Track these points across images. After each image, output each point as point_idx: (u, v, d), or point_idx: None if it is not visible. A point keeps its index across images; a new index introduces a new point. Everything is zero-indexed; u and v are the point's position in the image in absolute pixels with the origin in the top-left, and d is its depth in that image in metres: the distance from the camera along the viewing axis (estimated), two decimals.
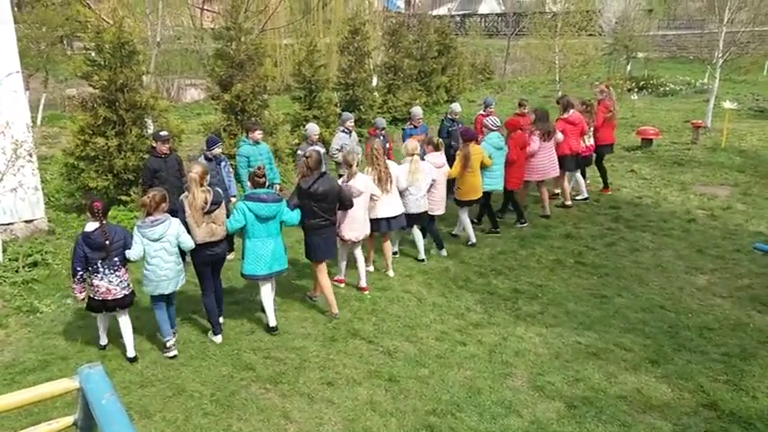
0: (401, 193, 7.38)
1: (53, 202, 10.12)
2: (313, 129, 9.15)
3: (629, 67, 23.80)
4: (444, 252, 8.20)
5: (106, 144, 9.20)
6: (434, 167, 7.77)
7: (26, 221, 8.75)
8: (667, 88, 21.72)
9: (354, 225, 6.78)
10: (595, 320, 6.44)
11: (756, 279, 7.28)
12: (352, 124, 9.82)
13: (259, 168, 6.08)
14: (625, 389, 5.24)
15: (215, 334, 6.11)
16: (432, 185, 7.71)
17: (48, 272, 7.74)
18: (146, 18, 14.02)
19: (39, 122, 15.94)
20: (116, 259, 5.51)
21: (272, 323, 6.23)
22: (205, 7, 21.03)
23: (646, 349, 5.84)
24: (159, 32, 13.67)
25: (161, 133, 7.89)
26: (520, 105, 11.44)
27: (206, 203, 5.75)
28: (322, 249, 6.43)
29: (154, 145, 7.77)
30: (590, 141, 9.95)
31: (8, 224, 8.58)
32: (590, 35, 17.14)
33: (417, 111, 10.38)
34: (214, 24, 18.74)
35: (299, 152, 9.12)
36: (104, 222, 5.49)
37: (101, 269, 5.47)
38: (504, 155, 8.61)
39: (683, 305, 6.72)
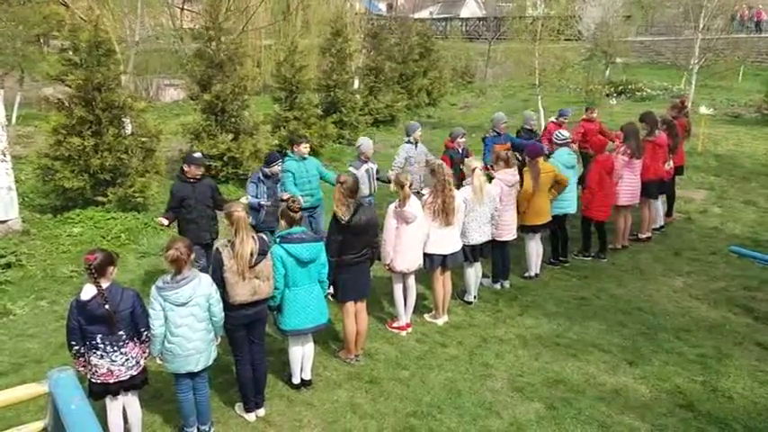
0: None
1: (28, 203, 9.95)
2: (367, 145, 7.69)
3: (607, 72, 24.06)
4: (507, 284, 7.34)
5: (82, 144, 9.07)
6: (505, 186, 6.84)
7: None
8: (645, 93, 21.96)
9: (408, 254, 6.01)
10: (575, 322, 6.48)
11: (732, 281, 7.38)
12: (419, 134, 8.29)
13: (294, 201, 5.04)
14: (603, 390, 5.28)
15: (247, 410, 5.01)
16: (501, 208, 6.77)
17: (21, 273, 7.61)
18: (124, 17, 13.85)
19: (14, 121, 15.70)
20: (121, 333, 4.20)
21: (308, 376, 5.42)
22: (185, 7, 20.83)
23: (624, 351, 5.89)
24: (138, 32, 13.49)
25: (194, 155, 6.82)
26: None
27: (252, 254, 4.65)
28: (351, 287, 5.58)
29: (185, 168, 6.61)
30: (670, 164, 8.81)
31: None
32: (567, 40, 17.26)
33: (501, 116, 9.03)
34: (194, 24, 18.58)
35: (350, 169, 7.54)
36: (103, 287, 4.08)
37: (101, 345, 4.17)
38: (576, 174, 7.63)
39: (660, 307, 6.79)
